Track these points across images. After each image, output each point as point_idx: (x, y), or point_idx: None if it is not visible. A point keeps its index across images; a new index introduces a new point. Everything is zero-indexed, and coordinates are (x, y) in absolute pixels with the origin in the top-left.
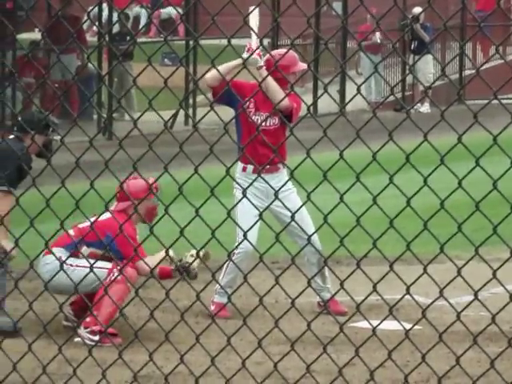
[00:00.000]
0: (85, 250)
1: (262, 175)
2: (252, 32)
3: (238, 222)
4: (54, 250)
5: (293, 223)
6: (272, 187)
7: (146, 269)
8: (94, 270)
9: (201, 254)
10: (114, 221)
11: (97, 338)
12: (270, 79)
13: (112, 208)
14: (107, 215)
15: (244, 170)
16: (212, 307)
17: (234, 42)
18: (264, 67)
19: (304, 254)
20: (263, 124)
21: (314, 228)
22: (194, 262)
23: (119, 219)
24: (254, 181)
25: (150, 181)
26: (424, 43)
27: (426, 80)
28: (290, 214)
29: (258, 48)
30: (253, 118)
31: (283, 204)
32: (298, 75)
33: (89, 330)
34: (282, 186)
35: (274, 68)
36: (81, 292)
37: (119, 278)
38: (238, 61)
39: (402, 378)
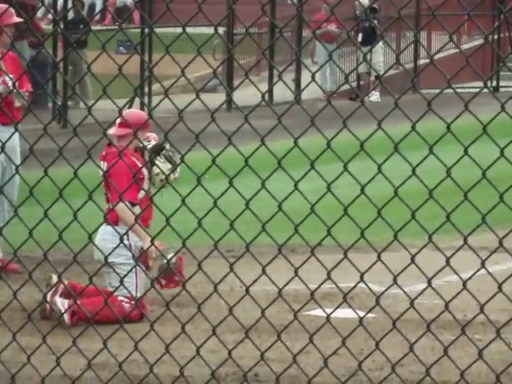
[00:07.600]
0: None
1: None
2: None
3: None
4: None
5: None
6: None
7: (126, 215)
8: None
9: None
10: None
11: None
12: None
13: (112, 132)
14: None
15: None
16: None
17: (189, 30)
18: None
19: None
20: None
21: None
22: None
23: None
24: None
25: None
26: (372, 35)
27: (376, 69)
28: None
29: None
30: None
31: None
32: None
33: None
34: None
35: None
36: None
37: (125, 306)
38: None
39: (356, 366)
